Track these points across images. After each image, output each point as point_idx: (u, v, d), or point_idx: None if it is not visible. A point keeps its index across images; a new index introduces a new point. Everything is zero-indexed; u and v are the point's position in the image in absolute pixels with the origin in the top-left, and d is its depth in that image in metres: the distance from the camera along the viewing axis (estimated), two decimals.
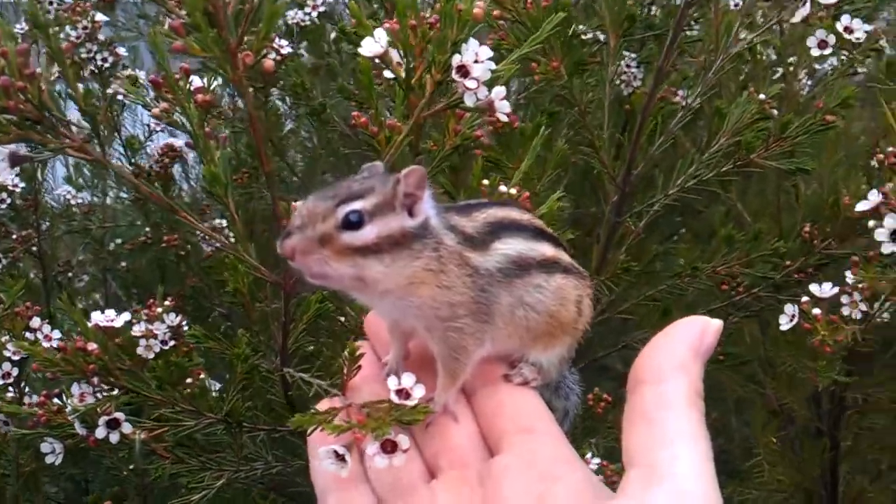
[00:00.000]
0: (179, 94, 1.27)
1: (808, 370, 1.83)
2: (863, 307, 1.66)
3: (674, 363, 0.95)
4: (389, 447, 1.02)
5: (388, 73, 1.27)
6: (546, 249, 1.16)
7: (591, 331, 1.25)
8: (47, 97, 1.15)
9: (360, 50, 1.22)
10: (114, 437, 1.53)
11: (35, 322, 1.71)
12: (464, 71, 1.17)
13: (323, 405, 1.13)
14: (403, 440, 1.01)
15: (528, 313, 1.13)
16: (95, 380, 1.48)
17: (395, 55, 1.24)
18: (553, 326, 1.16)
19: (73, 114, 1.32)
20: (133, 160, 2.79)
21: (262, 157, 1.33)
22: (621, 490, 0.90)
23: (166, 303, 1.71)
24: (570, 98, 1.92)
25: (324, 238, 1.01)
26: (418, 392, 1.05)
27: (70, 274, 2.85)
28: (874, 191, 1.61)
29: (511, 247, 1.11)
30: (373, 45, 1.21)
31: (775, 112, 1.81)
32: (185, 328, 1.71)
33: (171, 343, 1.66)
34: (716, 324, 0.99)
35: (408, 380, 1.06)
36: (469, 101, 1.20)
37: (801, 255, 1.94)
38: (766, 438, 2.33)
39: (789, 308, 1.73)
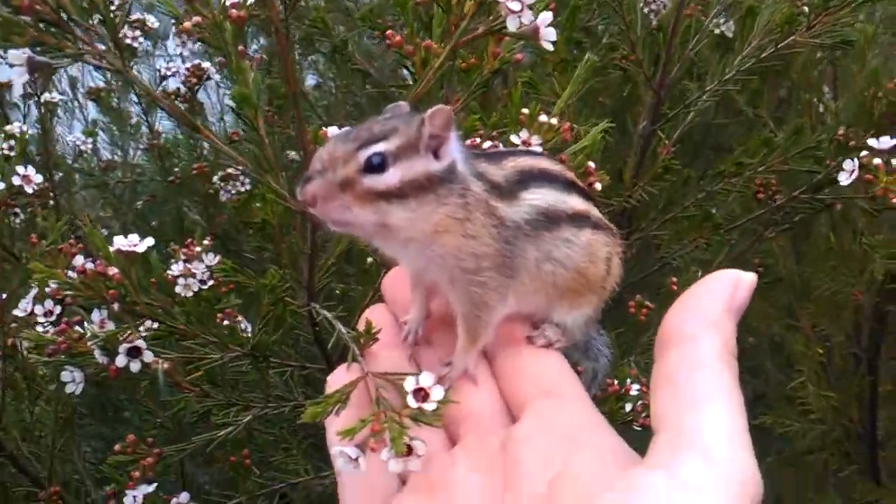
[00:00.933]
0: (213, 9, 1.22)
1: (849, 284, 1.79)
2: None
3: (704, 320, 0.88)
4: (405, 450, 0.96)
5: None
6: (577, 203, 1.10)
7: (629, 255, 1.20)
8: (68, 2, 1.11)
9: None
10: (134, 366, 1.48)
11: (78, 260, 1.62)
12: None
13: (336, 376, 1.09)
14: (419, 445, 0.95)
15: (556, 268, 1.08)
16: (116, 306, 1.42)
17: None
18: (581, 284, 1.11)
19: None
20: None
21: (288, 75, 1.29)
22: (649, 455, 0.84)
23: (205, 242, 1.68)
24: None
25: (345, 182, 0.96)
26: (437, 394, 0.98)
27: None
28: None
29: (541, 197, 1.06)
30: None
31: (806, 9, 1.76)
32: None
33: (210, 283, 1.63)
34: (749, 277, 0.92)
35: (426, 379, 0.99)
36: (512, 26, 1.13)
37: (838, 156, 1.87)
38: (812, 351, 2.27)
39: (848, 164, 1.69)
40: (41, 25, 1.11)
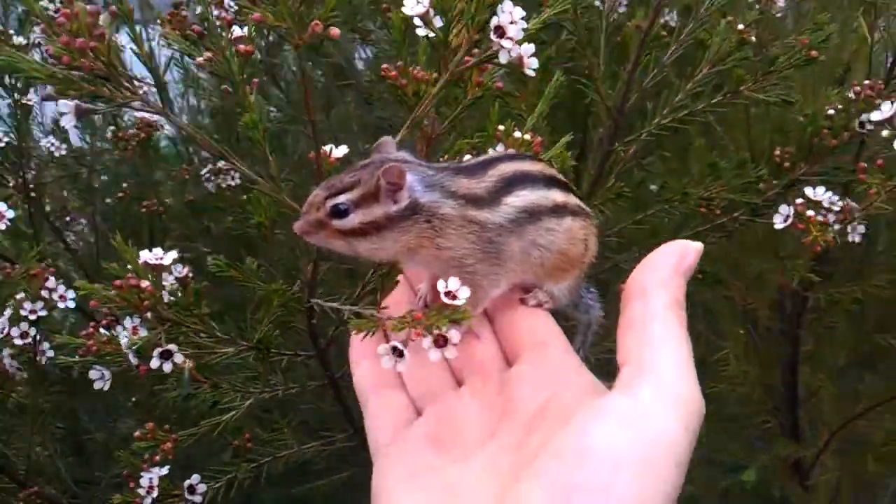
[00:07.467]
0: (221, 44, 1.35)
1: (775, 272, 1.99)
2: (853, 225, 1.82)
3: (657, 280, 1.11)
4: (441, 342, 1.18)
5: (421, 31, 1.33)
6: (557, 196, 1.31)
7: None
8: (115, 56, 1.24)
9: (402, 9, 1.31)
10: (167, 367, 1.62)
11: (51, 282, 1.84)
12: (500, 31, 1.26)
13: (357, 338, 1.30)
14: (454, 335, 1.17)
15: (542, 253, 1.30)
16: (148, 315, 1.56)
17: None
18: (563, 262, 1.33)
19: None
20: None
21: (308, 107, 1.42)
22: (615, 385, 1.06)
23: (171, 253, 1.68)
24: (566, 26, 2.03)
25: (319, 223, 1.22)
26: (463, 294, 1.18)
27: (67, 219, 2.90)
28: (888, 102, 1.74)
29: (523, 198, 1.27)
30: (415, 4, 1.30)
31: (754, 39, 1.93)
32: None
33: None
34: (696, 245, 1.15)
35: (454, 283, 1.19)
36: (503, 59, 1.29)
37: (773, 179, 2.07)
38: (735, 330, 2.53)
39: (784, 209, 1.86)
40: (96, 79, 1.24)
